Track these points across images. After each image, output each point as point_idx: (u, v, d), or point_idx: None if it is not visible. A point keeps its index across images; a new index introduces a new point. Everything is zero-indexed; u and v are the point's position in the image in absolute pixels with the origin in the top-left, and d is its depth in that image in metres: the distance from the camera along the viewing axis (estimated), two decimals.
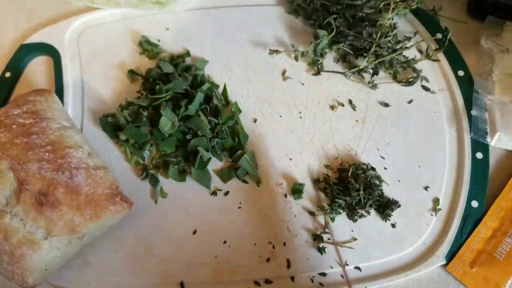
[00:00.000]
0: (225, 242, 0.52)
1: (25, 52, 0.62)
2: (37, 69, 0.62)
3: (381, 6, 0.60)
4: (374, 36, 0.59)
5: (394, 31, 0.60)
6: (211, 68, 0.61)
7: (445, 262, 0.51)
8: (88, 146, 0.52)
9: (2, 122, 0.49)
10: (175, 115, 0.54)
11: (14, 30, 0.64)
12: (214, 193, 0.54)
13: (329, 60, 0.62)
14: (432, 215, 0.53)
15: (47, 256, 0.46)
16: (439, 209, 0.54)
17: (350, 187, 0.53)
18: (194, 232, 0.52)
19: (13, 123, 0.49)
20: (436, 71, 0.61)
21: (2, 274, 0.44)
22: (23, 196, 0.45)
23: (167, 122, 0.54)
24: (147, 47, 0.62)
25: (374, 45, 0.58)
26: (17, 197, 0.45)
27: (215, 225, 0.52)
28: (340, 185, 0.54)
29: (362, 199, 0.53)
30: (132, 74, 0.60)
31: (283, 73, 0.61)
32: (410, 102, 0.59)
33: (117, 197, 0.49)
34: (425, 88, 0.60)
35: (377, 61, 0.59)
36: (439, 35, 0.63)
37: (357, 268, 0.51)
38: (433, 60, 0.62)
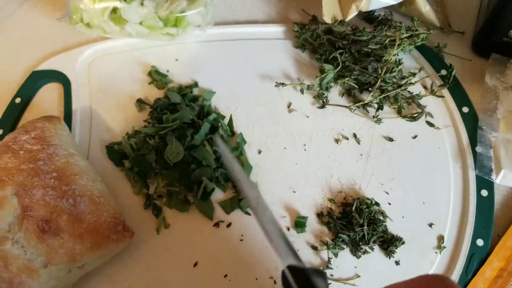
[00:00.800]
0: (226, 276, 0.51)
1: (36, 79, 0.63)
2: (47, 96, 0.63)
3: (386, 42, 0.61)
4: (380, 71, 0.60)
5: (399, 67, 0.61)
6: (218, 99, 0.62)
7: None
8: (93, 173, 0.52)
9: (9, 148, 0.50)
10: (181, 145, 0.55)
11: (27, 58, 0.66)
12: (216, 224, 0.54)
13: (335, 94, 0.62)
14: (436, 253, 0.53)
15: (46, 285, 0.45)
16: (444, 247, 0.53)
17: (354, 222, 0.52)
18: (195, 265, 0.52)
19: (21, 148, 0.50)
20: (440, 107, 0.62)
21: None
22: (25, 222, 0.45)
23: (173, 151, 0.54)
24: (156, 77, 0.63)
25: (379, 80, 0.59)
26: (20, 223, 0.45)
27: (217, 258, 0.52)
28: (344, 220, 0.53)
29: (366, 234, 0.52)
30: (140, 103, 0.61)
31: (289, 105, 0.62)
32: (414, 137, 0.59)
33: (119, 226, 0.49)
34: (430, 124, 0.60)
35: (382, 96, 0.60)
36: (443, 72, 0.63)
37: None
38: (438, 96, 0.62)
